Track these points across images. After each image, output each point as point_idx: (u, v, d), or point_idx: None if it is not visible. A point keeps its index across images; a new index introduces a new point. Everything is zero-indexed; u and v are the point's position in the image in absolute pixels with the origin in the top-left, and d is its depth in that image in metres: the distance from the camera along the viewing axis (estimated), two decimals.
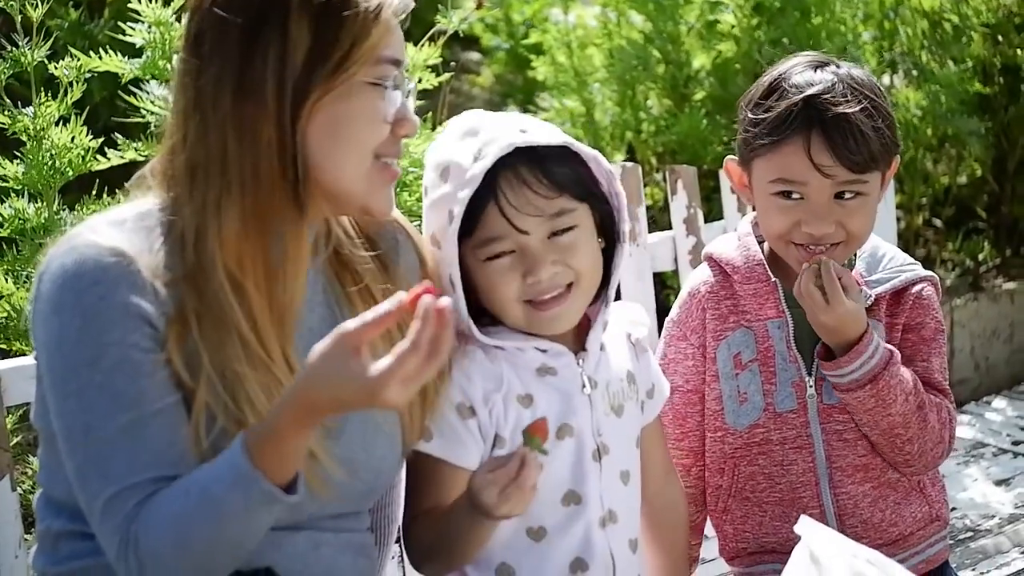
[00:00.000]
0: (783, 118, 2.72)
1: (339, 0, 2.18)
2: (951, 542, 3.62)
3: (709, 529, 3.02)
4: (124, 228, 2.21)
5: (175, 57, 3.41)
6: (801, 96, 2.72)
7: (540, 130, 2.47)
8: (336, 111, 2.21)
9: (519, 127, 2.46)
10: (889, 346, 2.76)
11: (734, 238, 2.94)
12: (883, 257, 2.88)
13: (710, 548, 3.14)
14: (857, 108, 2.70)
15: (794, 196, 2.73)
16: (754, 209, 2.89)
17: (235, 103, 2.19)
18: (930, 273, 2.89)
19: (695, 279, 2.96)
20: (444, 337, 2.03)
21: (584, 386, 2.55)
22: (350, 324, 2.03)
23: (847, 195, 2.73)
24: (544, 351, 2.52)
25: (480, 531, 2.40)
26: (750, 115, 2.78)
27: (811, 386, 2.83)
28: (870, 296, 2.80)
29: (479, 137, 2.46)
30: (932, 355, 2.86)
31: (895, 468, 2.85)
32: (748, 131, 2.78)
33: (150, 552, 2.11)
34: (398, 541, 2.99)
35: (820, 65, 2.78)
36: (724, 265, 2.90)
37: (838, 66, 2.78)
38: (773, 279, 2.84)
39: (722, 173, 3.99)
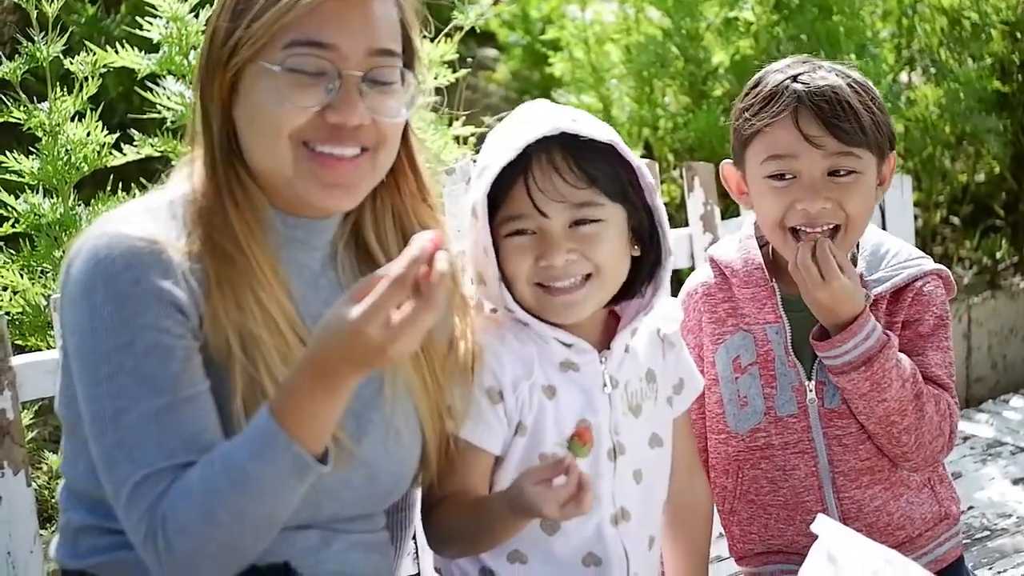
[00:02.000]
0: (771, 96, 2.77)
1: None
2: (967, 541, 3.61)
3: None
4: (156, 216, 2.23)
5: (192, 54, 3.42)
6: (787, 76, 2.78)
7: (590, 124, 2.49)
8: (249, 96, 2.24)
9: (572, 117, 2.49)
10: (887, 331, 2.75)
11: (736, 240, 2.93)
12: (886, 254, 2.86)
13: (725, 546, 3.13)
14: (843, 82, 2.75)
15: (787, 176, 2.74)
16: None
17: (200, 91, 2.28)
18: (937, 267, 2.86)
19: (693, 280, 2.97)
20: (437, 283, 2.02)
21: (605, 385, 2.56)
22: (360, 281, 2.06)
23: (840, 173, 2.73)
24: (569, 346, 2.53)
25: (516, 527, 2.42)
26: (739, 106, 2.83)
27: (811, 390, 2.82)
28: (869, 296, 2.78)
29: (532, 118, 2.50)
30: (929, 350, 2.83)
31: (894, 462, 2.84)
32: (739, 121, 2.81)
33: (177, 529, 2.10)
34: (414, 538, 2.98)
35: (804, 62, 2.84)
36: (724, 268, 2.90)
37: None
38: (771, 283, 2.84)
39: None
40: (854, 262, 2.83)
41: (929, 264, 2.86)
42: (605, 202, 2.48)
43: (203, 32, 3.50)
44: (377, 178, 2.32)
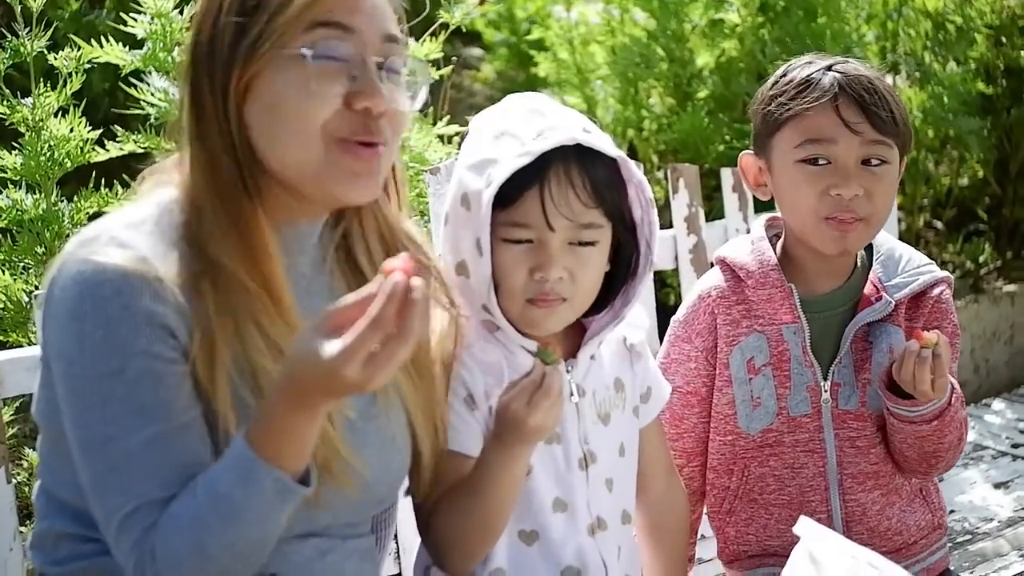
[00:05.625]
0: (807, 83, 2.77)
1: None
2: (950, 544, 3.62)
3: (706, 528, 3.01)
4: (142, 231, 2.14)
5: (176, 50, 3.40)
6: (819, 67, 2.79)
7: (600, 137, 2.43)
8: (268, 89, 2.13)
9: (583, 126, 2.43)
10: (953, 380, 2.75)
11: (747, 242, 2.92)
12: (900, 259, 2.86)
13: (708, 548, 3.12)
14: (876, 76, 2.79)
15: (821, 162, 2.74)
16: (759, 211, 2.88)
17: (191, 105, 2.16)
18: (945, 273, 2.87)
19: (706, 282, 2.94)
20: (412, 315, 1.94)
21: (572, 394, 2.53)
22: (331, 306, 1.97)
23: (873, 162, 2.74)
24: (535, 354, 2.49)
25: (508, 468, 2.36)
26: (768, 93, 2.82)
27: (826, 391, 2.82)
28: (891, 303, 2.79)
29: (544, 119, 2.43)
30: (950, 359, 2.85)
31: (911, 474, 2.85)
32: (768, 108, 2.80)
33: (168, 562, 2.05)
34: (395, 537, 2.97)
35: (828, 58, 2.85)
36: (737, 270, 2.88)
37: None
38: (788, 284, 2.83)
39: (723, 172, 3.98)
40: (870, 266, 2.84)
41: (938, 270, 2.86)
42: (604, 224, 2.44)
43: (187, 29, 3.50)
44: (385, 175, 2.25)
